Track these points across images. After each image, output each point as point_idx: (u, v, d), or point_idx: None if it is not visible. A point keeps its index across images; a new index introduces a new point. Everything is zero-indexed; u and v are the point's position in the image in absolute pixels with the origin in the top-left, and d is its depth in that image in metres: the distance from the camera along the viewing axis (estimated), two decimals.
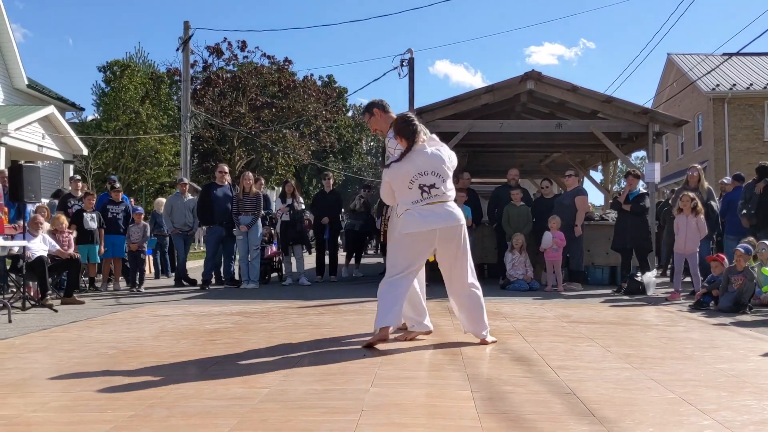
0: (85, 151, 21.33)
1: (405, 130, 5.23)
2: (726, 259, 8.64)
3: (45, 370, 4.42)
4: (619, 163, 20.98)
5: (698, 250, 8.99)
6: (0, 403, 3.58)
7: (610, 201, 13.39)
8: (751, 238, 8.90)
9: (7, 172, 9.65)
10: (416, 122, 5.29)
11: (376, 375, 4.10)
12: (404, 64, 18.97)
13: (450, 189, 5.20)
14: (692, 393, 3.68)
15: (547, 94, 12.51)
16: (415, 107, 13.31)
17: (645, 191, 10.76)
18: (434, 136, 5.47)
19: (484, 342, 5.23)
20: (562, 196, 11.71)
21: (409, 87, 19.00)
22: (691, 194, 9.15)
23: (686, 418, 3.21)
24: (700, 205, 9.05)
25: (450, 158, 5.26)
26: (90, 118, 29.84)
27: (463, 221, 5.22)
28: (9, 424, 3.15)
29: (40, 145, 18.92)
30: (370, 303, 8.54)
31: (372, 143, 54.89)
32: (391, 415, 3.24)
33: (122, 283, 11.61)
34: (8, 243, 8.24)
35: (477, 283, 5.36)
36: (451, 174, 5.24)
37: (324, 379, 4.06)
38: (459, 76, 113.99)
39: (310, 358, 4.76)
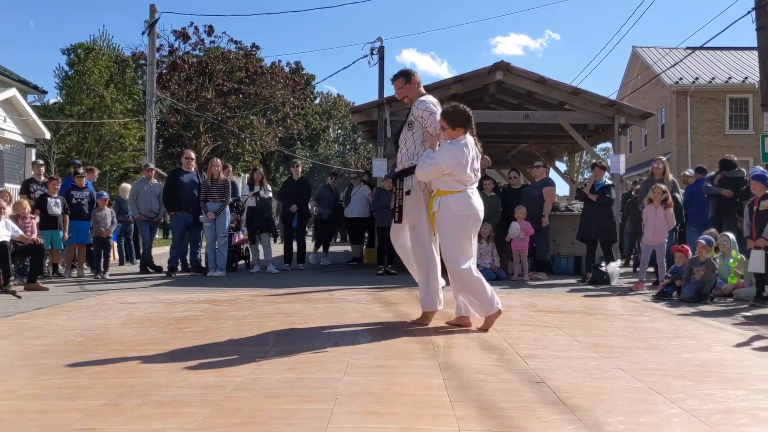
0: (48, 135, 20.95)
1: (465, 119, 5.42)
2: (690, 251, 8.80)
3: (10, 358, 4.35)
4: (584, 155, 21.20)
5: (665, 241, 9.15)
6: None
7: (576, 192, 13.55)
8: (713, 230, 9.09)
9: None
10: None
11: (348, 364, 4.11)
12: (374, 52, 18.95)
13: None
14: (659, 382, 3.75)
15: (516, 85, 12.61)
16: (385, 96, 13.28)
17: (610, 182, 10.90)
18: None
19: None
20: (530, 186, 11.82)
21: (379, 75, 19.00)
22: (663, 186, 9.30)
23: (654, 406, 3.28)
24: (670, 198, 9.21)
25: None
26: (53, 101, 29.29)
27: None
28: None
29: (1, 129, 18.54)
30: (339, 291, 8.56)
31: (339, 131, 54.71)
32: (365, 403, 3.26)
33: (86, 270, 11.44)
34: None
35: None
36: None
37: (296, 368, 4.06)
38: (426, 65, 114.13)
39: (281, 346, 4.75)
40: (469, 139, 5.42)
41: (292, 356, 4.42)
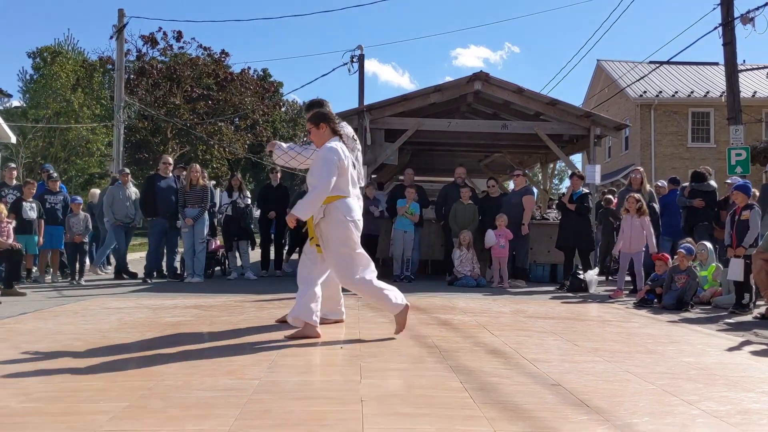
0: (14, 139, 20.53)
1: (323, 115, 5.43)
2: (670, 259, 8.97)
3: (13, 361, 4.25)
4: (557, 165, 21.47)
5: (643, 249, 9.31)
6: None
7: (555, 201, 13.72)
8: (690, 239, 9.29)
9: None
10: None
11: (361, 367, 4.11)
12: (354, 60, 18.99)
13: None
14: (670, 385, 3.83)
15: (494, 95, 12.74)
16: (365, 104, 13.31)
17: (587, 191, 11.06)
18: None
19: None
20: (509, 195, 11.93)
21: (359, 83, 19.07)
22: (637, 195, 9.47)
23: (675, 408, 3.34)
24: (644, 206, 9.37)
25: None
26: (15, 104, 28.71)
27: None
28: (1, 414, 3.04)
29: None
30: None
31: (305, 138, 54.60)
32: (393, 405, 3.26)
33: (58, 276, 11.23)
34: None
35: None
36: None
37: (310, 371, 4.06)
38: (387, 75, 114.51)
39: (288, 350, 4.72)
40: (341, 146, 5.23)
41: (302, 359, 4.41)
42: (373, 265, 5.30)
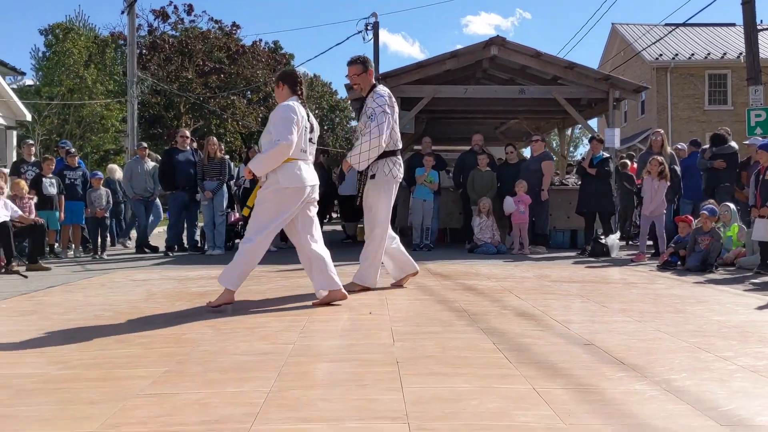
0: (29, 117, 20.59)
1: (287, 76, 5.43)
2: (693, 221, 8.91)
3: (46, 332, 4.28)
4: (569, 131, 21.31)
5: (665, 212, 9.25)
6: (17, 361, 3.50)
7: (575, 166, 13.63)
8: (712, 201, 9.22)
9: None
10: None
11: (392, 330, 4.12)
12: (369, 28, 18.85)
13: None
14: (703, 343, 3.81)
15: (510, 59, 12.60)
16: (380, 72, 13.22)
17: (608, 156, 10.97)
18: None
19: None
20: (528, 161, 11.87)
21: (374, 51, 18.91)
22: (660, 158, 9.37)
23: (710, 364, 3.33)
24: (666, 170, 9.29)
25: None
26: (29, 83, 28.75)
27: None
28: (40, 381, 3.08)
29: None
30: (349, 266, 8.54)
31: (316, 111, 54.41)
32: (428, 365, 3.27)
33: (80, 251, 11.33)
34: None
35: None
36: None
37: (343, 336, 4.07)
38: (397, 45, 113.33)
39: (317, 316, 4.73)
40: (298, 105, 5.16)
41: (333, 325, 4.43)
42: (286, 243, 5.34)
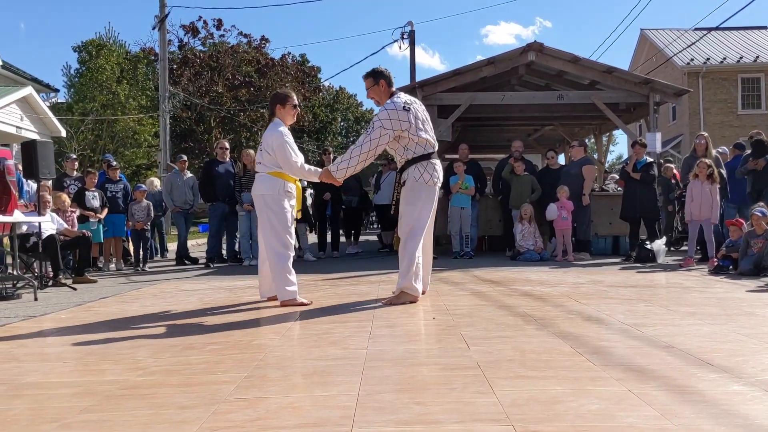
0: (64, 133, 20.84)
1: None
2: (744, 224, 8.75)
3: (113, 340, 4.27)
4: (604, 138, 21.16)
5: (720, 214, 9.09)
6: (94, 369, 3.48)
7: (618, 171, 13.47)
8: (763, 204, 9.03)
9: (19, 149, 9.37)
10: None
11: (462, 335, 4.05)
12: (405, 36, 18.88)
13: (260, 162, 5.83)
14: None
15: (548, 65, 12.50)
16: (417, 80, 13.18)
17: (652, 160, 10.83)
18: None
19: (284, 304, 5.61)
20: (569, 166, 11.74)
21: (411, 61, 18.89)
22: (708, 161, 9.22)
23: None
24: (716, 172, 9.14)
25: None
26: (61, 100, 29.10)
27: (262, 192, 5.77)
28: (125, 387, 3.05)
29: (18, 127, 18.38)
30: (394, 273, 8.48)
31: (342, 123, 54.63)
32: (512, 368, 3.20)
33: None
34: (26, 219, 8.00)
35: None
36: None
37: (413, 340, 4.01)
38: (417, 57, 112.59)
39: (381, 321, 4.68)
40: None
41: (400, 330, 4.37)
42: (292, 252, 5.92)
